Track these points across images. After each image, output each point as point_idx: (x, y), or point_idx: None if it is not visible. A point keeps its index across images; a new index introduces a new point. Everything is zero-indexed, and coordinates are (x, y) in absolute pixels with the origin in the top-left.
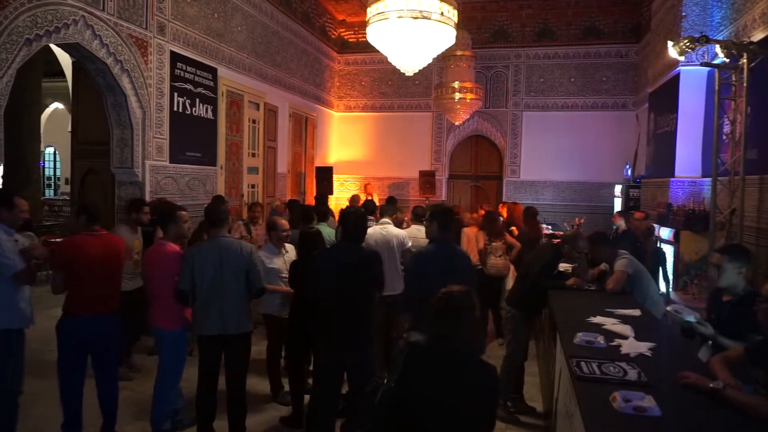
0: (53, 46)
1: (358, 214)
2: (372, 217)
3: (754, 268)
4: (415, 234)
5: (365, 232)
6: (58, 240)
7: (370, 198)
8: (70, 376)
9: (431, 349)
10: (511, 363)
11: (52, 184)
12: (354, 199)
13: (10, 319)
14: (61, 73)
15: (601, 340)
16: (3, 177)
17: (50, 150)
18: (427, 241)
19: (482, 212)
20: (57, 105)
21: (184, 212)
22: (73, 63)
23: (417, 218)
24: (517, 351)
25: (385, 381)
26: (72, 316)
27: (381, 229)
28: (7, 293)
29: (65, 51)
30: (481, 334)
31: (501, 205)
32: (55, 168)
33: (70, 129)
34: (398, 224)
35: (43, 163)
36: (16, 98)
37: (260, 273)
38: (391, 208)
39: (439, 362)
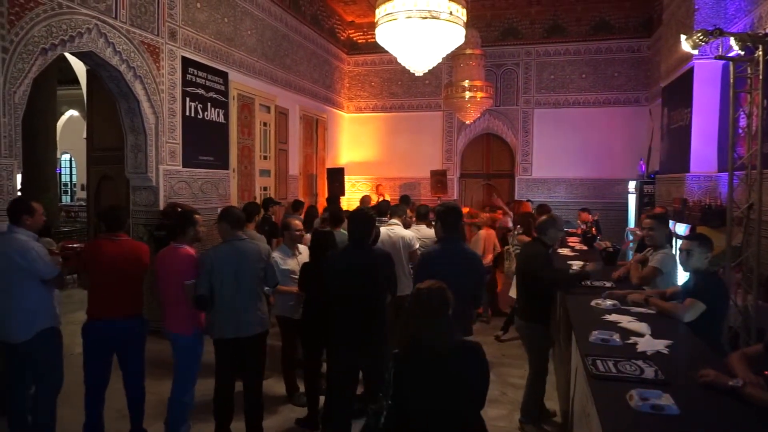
0: (67, 54)
1: (362, 215)
2: (385, 218)
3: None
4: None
5: (374, 233)
6: (75, 245)
7: (383, 198)
8: (92, 380)
9: (416, 355)
10: (538, 379)
11: (69, 190)
12: (365, 199)
13: (51, 319)
14: (75, 81)
15: (617, 338)
16: (21, 184)
17: (66, 157)
18: (429, 238)
19: (500, 212)
20: (72, 112)
21: (198, 216)
22: (87, 70)
23: (420, 217)
24: (542, 368)
25: (384, 401)
26: (92, 318)
27: (388, 230)
28: (47, 295)
29: (79, 59)
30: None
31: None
32: (71, 174)
33: (85, 136)
34: (408, 225)
35: (60, 169)
36: (31, 106)
37: (275, 271)
38: (401, 208)
39: (427, 365)
